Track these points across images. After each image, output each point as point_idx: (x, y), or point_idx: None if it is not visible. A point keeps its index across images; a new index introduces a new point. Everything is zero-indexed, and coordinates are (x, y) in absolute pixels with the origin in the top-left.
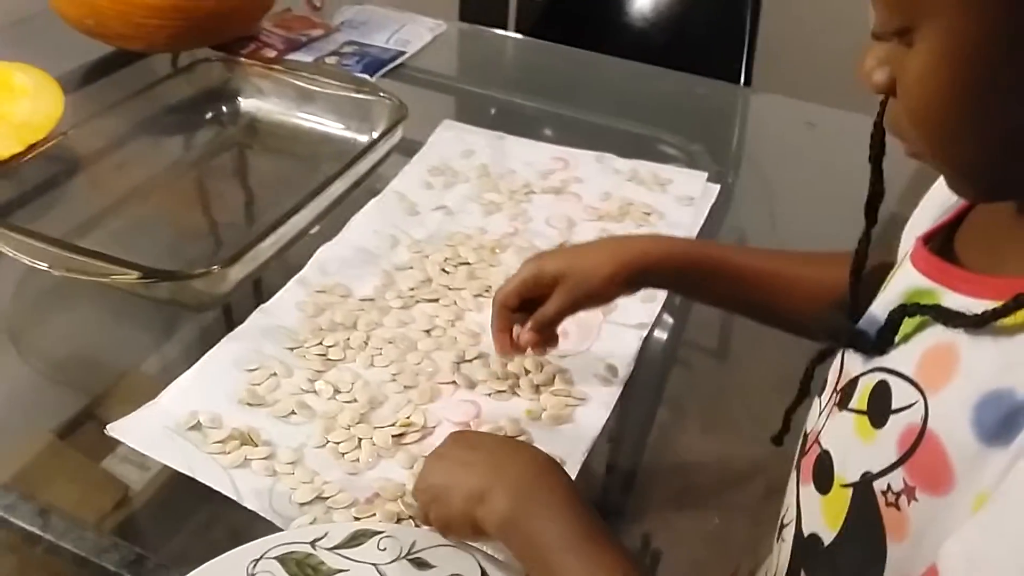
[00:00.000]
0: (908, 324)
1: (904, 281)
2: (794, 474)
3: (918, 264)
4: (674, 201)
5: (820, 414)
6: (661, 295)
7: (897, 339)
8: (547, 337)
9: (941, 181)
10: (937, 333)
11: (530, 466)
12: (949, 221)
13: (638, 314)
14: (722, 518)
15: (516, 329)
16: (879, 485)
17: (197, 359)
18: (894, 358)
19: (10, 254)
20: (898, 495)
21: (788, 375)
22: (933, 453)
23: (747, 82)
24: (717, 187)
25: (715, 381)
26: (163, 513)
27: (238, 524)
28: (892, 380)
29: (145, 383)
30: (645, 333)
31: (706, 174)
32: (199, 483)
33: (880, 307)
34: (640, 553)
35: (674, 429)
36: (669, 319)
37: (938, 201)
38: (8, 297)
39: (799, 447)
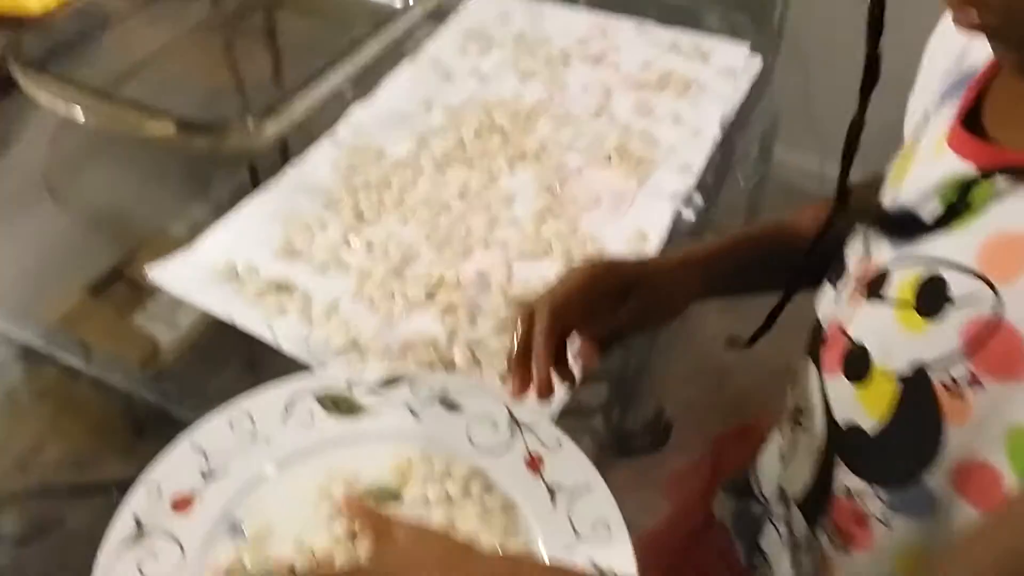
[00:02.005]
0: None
1: (943, 168)
2: (811, 365)
3: (961, 149)
4: (715, 73)
5: (837, 302)
6: (699, 163)
7: (955, 220)
8: (566, 375)
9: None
10: (999, 220)
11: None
12: (974, 100)
13: (673, 183)
14: (733, 394)
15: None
16: (939, 376)
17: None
18: (945, 248)
19: (46, 103)
20: (961, 384)
21: None
22: (1008, 342)
23: None
24: (759, 58)
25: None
26: (194, 369)
27: (272, 376)
28: (945, 271)
29: (173, 243)
30: (679, 203)
31: (748, 44)
32: (229, 342)
33: (916, 196)
34: (652, 423)
35: (693, 309)
36: (699, 200)
37: (938, 74)
38: (43, 151)
39: (811, 335)
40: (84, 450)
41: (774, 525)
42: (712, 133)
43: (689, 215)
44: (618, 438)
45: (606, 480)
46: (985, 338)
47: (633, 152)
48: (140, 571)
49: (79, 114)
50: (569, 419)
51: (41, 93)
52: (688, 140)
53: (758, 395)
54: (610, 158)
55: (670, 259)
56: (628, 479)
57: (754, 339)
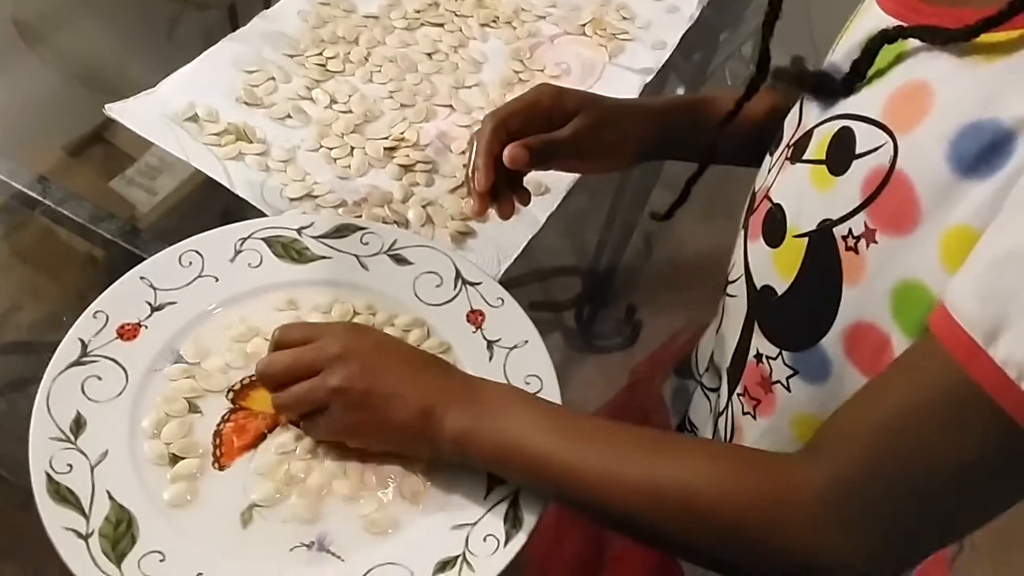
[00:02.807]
0: (880, 57)
1: (869, 24)
2: (741, 233)
3: (885, 4)
4: None
5: (770, 171)
6: (672, 42)
7: (864, 78)
8: (522, 194)
9: None
10: (907, 72)
11: (465, 378)
12: None
13: (644, 59)
14: (704, 297)
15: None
16: (839, 231)
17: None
18: (857, 103)
19: None
20: (858, 239)
21: None
22: (900, 192)
23: None
24: None
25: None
26: (169, 236)
27: None
28: (855, 125)
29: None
30: (648, 79)
31: None
32: (206, 209)
33: (843, 54)
34: (623, 322)
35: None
36: (680, 91)
37: None
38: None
39: (747, 206)
40: (60, 312)
41: (706, 397)
42: (689, 11)
43: None
44: (587, 334)
45: (574, 375)
46: (880, 188)
47: (608, 25)
48: (83, 391)
49: None
50: (540, 313)
51: None
52: (664, 17)
53: None
54: (584, 30)
55: (624, 100)
56: (597, 375)
57: (671, 211)
